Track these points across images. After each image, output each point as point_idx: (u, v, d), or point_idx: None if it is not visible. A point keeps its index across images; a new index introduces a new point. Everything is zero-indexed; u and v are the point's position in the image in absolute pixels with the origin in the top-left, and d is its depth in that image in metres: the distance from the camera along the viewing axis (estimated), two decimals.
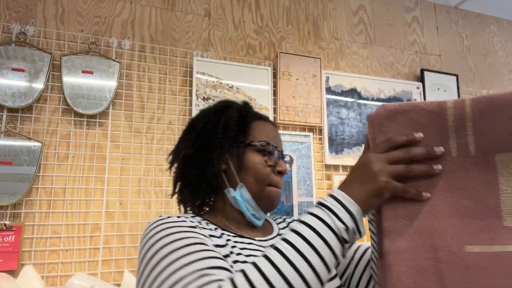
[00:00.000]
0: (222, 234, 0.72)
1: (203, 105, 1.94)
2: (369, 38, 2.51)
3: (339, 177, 2.16)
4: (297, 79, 2.17)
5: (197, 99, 1.94)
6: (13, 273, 1.52)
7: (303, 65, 2.20)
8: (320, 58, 2.25)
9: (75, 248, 1.66)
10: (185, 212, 0.84)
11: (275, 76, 2.16)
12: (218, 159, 0.78)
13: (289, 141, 2.09)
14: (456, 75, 2.64)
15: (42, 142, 1.66)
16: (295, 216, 2.01)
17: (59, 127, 1.74)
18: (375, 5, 2.58)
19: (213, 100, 1.97)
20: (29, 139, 1.65)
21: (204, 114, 0.85)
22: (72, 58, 1.77)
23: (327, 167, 2.19)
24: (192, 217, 0.74)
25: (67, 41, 1.82)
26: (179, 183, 0.85)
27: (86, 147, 1.76)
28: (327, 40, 2.39)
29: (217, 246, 0.66)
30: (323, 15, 2.41)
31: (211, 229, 0.71)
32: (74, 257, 1.65)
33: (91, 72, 1.79)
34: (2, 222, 1.55)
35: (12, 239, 1.55)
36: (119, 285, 1.64)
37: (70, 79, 1.75)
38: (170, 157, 0.86)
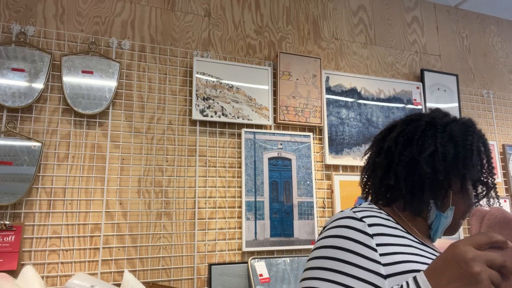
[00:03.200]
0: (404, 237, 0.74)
1: (203, 105, 1.95)
2: (369, 38, 2.51)
3: (339, 177, 2.16)
4: (297, 79, 2.17)
5: (197, 99, 1.94)
6: (13, 273, 1.53)
7: (303, 65, 2.20)
8: (320, 58, 2.25)
9: (75, 248, 1.67)
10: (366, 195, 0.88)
11: (275, 76, 2.16)
12: (464, 174, 0.78)
13: (289, 141, 2.09)
14: (456, 75, 2.64)
15: (42, 142, 1.66)
16: (296, 215, 2.01)
17: (59, 127, 1.74)
18: (375, 5, 2.58)
19: (213, 100, 1.97)
20: (29, 139, 1.65)
21: (471, 132, 0.81)
22: (72, 58, 1.77)
23: (327, 167, 2.19)
24: (375, 216, 0.74)
25: (67, 41, 1.82)
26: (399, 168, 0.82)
27: (86, 147, 1.76)
28: (327, 40, 2.39)
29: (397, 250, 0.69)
30: (323, 15, 2.41)
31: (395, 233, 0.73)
32: (74, 257, 1.65)
33: (91, 72, 1.79)
34: (2, 222, 1.55)
35: (12, 239, 1.55)
36: (119, 285, 1.64)
37: (70, 79, 1.75)
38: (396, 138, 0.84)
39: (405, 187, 0.80)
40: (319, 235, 0.76)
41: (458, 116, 2.49)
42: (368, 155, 0.91)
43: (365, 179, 0.89)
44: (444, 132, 0.80)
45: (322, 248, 0.69)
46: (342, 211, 0.76)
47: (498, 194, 0.82)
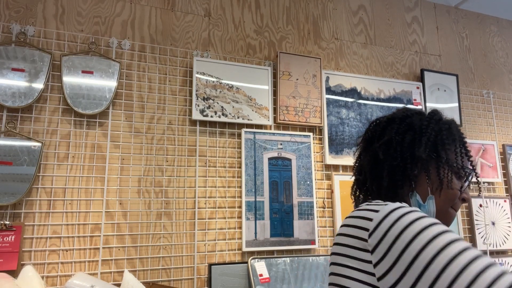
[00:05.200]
0: None
1: (203, 105, 1.95)
2: (369, 38, 2.51)
3: (339, 177, 2.16)
4: (297, 79, 2.17)
5: (197, 99, 1.94)
6: (13, 273, 1.53)
7: (303, 65, 2.20)
8: (320, 58, 2.25)
9: (75, 248, 1.67)
10: (356, 196, 0.88)
11: (275, 76, 2.16)
12: (428, 161, 0.79)
13: (289, 141, 2.09)
14: (456, 75, 2.64)
15: (42, 142, 1.66)
16: (296, 215, 2.01)
17: (59, 127, 1.74)
18: (375, 5, 2.58)
19: (213, 100, 1.97)
20: (29, 139, 1.65)
21: (428, 118, 0.83)
22: (72, 58, 1.77)
23: (327, 167, 2.19)
24: None
25: (67, 41, 1.82)
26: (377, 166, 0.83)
27: (86, 147, 1.76)
28: (327, 40, 2.39)
29: None
30: (323, 15, 2.41)
31: None
32: (74, 257, 1.65)
33: (91, 72, 1.79)
34: (2, 222, 1.55)
35: (12, 239, 1.55)
36: (119, 285, 1.64)
37: (70, 79, 1.75)
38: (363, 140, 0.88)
39: (370, 180, 0.83)
40: (369, 234, 0.64)
41: (456, 116, 2.53)
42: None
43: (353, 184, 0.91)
44: (402, 123, 0.83)
45: (423, 231, 0.59)
46: (375, 210, 0.67)
47: (478, 178, 0.80)
